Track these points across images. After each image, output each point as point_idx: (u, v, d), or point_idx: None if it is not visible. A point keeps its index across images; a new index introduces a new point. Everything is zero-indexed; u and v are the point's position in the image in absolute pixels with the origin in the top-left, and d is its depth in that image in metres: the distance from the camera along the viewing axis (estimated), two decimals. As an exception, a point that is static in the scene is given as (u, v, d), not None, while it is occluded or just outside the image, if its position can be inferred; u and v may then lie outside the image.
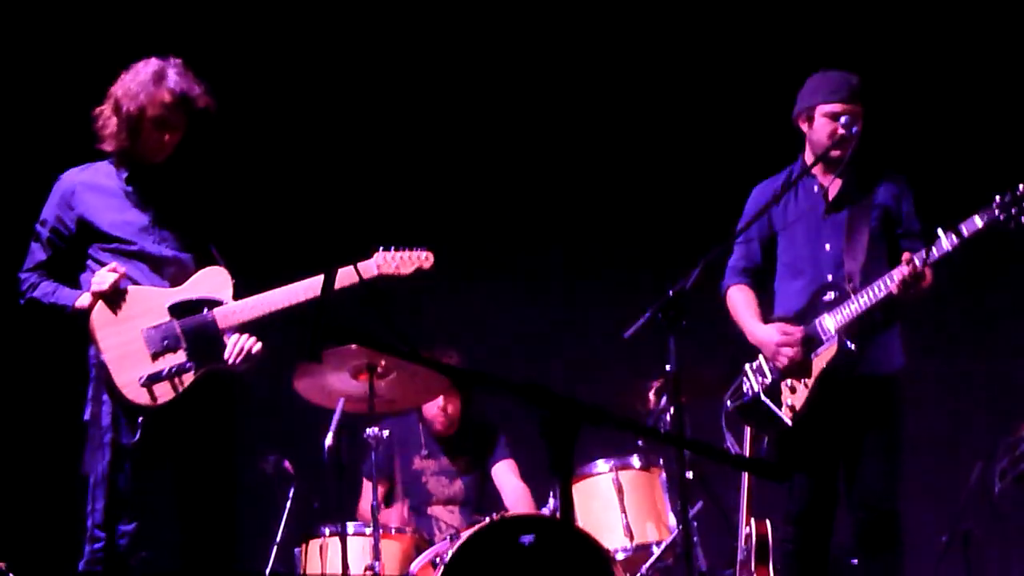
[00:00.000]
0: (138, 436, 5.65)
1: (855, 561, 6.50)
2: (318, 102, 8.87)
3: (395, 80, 9.23)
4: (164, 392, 5.71)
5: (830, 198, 6.31)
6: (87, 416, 5.80)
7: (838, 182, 6.29)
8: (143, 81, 5.85)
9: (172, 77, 5.87)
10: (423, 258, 6.32)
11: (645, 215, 9.12)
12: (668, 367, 5.73)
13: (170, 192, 5.99)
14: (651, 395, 7.50)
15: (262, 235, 7.27)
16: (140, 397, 5.69)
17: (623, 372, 7.69)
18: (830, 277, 6.21)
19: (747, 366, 6.36)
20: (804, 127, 6.36)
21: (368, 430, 6.73)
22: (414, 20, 9.14)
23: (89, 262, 5.87)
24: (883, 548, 6.10)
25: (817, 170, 6.31)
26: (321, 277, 5.58)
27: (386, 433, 6.85)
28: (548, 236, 9.25)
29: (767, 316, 6.41)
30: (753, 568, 6.88)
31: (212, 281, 5.92)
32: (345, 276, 5.75)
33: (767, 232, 6.44)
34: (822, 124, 6.25)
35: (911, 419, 6.35)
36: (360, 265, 6.15)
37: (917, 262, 5.88)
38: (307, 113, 8.84)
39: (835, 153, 6.21)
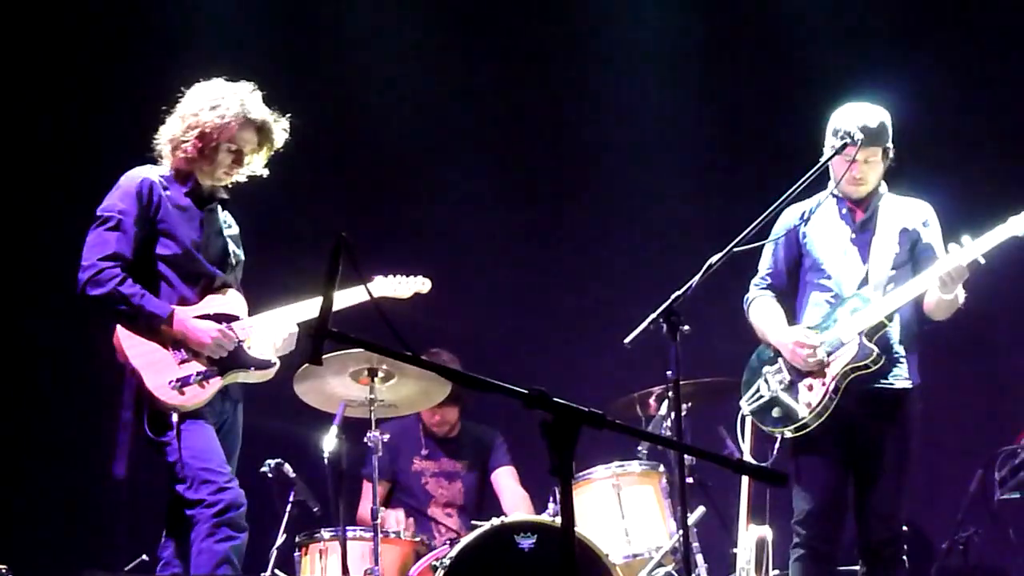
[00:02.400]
0: (171, 435, 5.82)
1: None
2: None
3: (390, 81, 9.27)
4: (194, 394, 5.92)
5: (856, 221, 6.39)
6: (123, 421, 5.89)
7: (864, 206, 6.40)
8: (232, 114, 6.05)
9: (257, 111, 6.11)
10: (421, 283, 6.72)
11: (649, 220, 9.13)
12: (669, 373, 5.76)
13: (217, 216, 6.22)
14: (652, 401, 7.51)
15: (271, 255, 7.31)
16: (173, 399, 5.88)
17: (624, 378, 7.69)
18: (856, 293, 6.29)
19: (766, 369, 6.39)
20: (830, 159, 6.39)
21: (369, 433, 6.73)
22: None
23: (161, 266, 6.03)
24: (887, 568, 6.17)
25: (844, 195, 6.42)
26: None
27: (386, 436, 6.86)
28: (550, 240, 9.26)
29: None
30: (752, 574, 6.88)
31: (229, 301, 6.15)
32: (351, 296, 5.92)
33: (795, 252, 6.52)
34: (838, 164, 6.30)
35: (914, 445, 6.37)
36: (361, 288, 6.23)
37: (963, 258, 5.95)
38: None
39: (854, 193, 6.37)
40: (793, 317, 6.49)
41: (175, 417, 5.85)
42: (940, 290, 6.04)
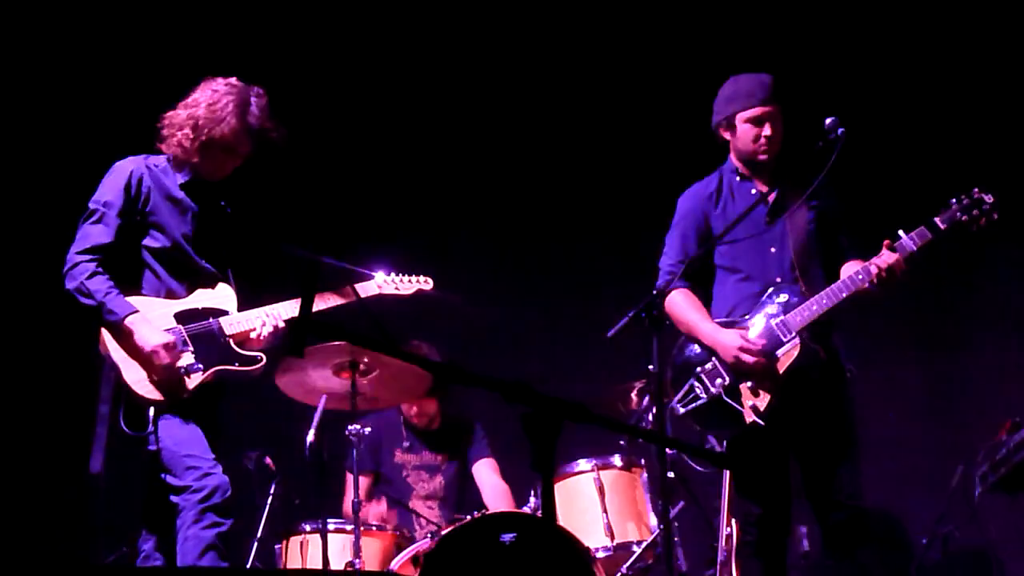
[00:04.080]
0: (149, 429, 5.79)
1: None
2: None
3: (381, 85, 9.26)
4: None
5: (770, 202, 6.28)
6: (100, 415, 5.87)
7: (775, 186, 6.28)
8: (229, 110, 6.04)
9: (255, 112, 6.09)
10: (423, 281, 6.68)
11: (630, 214, 9.12)
12: (651, 367, 5.75)
13: (212, 208, 6.20)
14: (634, 395, 7.51)
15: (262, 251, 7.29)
16: (151, 393, 5.85)
17: (606, 372, 7.69)
18: (779, 279, 6.19)
19: (698, 370, 6.23)
20: (727, 135, 6.36)
21: (350, 426, 6.73)
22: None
23: (148, 257, 6.02)
24: (860, 545, 6.09)
25: (750, 172, 6.33)
26: (328, 293, 5.76)
27: (368, 429, 6.86)
28: (531, 234, 9.26)
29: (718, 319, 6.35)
30: (733, 569, 6.88)
31: (218, 295, 6.13)
32: (347, 294, 5.97)
33: (705, 235, 6.38)
34: (744, 130, 6.26)
35: (892, 422, 6.36)
36: (362, 285, 6.36)
37: (906, 247, 5.90)
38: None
39: (762, 157, 6.25)
40: (707, 303, 6.37)
41: (152, 412, 5.82)
42: (877, 285, 5.95)
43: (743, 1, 8.95)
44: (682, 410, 6.26)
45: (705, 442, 7.07)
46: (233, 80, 6.16)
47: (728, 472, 6.85)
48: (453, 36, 9.26)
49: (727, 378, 6.19)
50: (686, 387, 6.25)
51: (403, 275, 6.64)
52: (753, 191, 6.31)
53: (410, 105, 9.28)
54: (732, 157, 6.39)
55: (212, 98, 6.07)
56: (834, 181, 6.24)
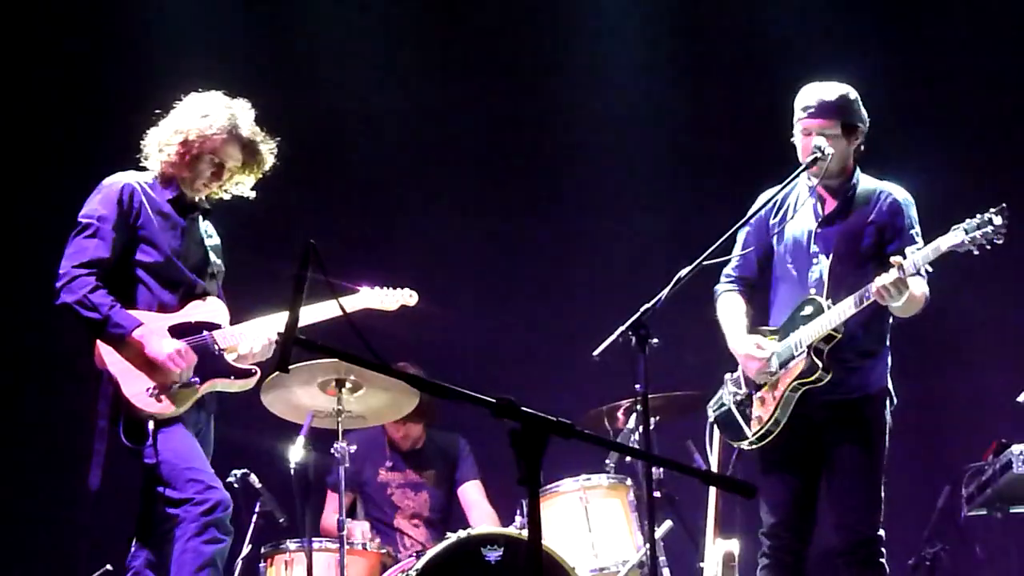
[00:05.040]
0: (148, 443, 5.78)
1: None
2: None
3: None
4: (172, 402, 5.90)
5: (824, 212, 6.23)
6: (98, 430, 5.85)
7: (837, 195, 6.21)
8: (219, 126, 6.07)
9: (246, 128, 6.12)
10: (408, 295, 6.71)
11: (619, 230, 9.15)
12: (638, 386, 5.74)
13: (199, 225, 6.22)
14: (620, 414, 7.50)
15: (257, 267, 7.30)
16: (150, 406, 5.85)
17: (593, 391, 7.68)
18: (812, 292, 6.15)
19: (727, 376, 6.34)
20: (795, 141, 6.28)
21: (336, 444, 6.71)
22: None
23: (139, 271, 6.02)
24: (860, 571, 6.06)
25: (815, 182, 6.21)
26: (312, 307, 5.77)
27: (353, 448, 6.84)
28: (519, 252, 9.27)
29: (760, 327, 6.34)
30: (719, 588, 6.87)
31: (210, 309, 6.14)
32: (330, 308, 5.91)
33: (764, 241, 6.35)
34: (798, 140, 6.19)
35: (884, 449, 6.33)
36: (347, 299, 6.43)
37: (905, 268, 5.80)
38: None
39: (812, 168, 6.11)
40: (766, 311, 6.38)
41: (151, 424, 5.81)
42: (882, 302, 5.88)
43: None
44: (712, 415, 6.39)
45: (692, 462, 7.10)
46: (218, 94, 6.18)
47: (714, 491, 6.85)
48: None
49: (744, 388, 6.25)
50: (719, 392, 6.39)
51: (387, 289, 6.65)
52: (815, 199, 6.25)
53: (392, 116, 9.29)
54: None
55: (200, 111, 6.09)
56: (909, 195, 6.23)
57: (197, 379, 5.94)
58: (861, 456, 6.11)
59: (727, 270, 6.43)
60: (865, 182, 6.24)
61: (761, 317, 6.41)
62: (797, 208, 6.28)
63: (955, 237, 5.80)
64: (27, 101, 8.87)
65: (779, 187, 6.22)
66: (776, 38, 8.98)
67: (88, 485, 5.83)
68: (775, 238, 6.31)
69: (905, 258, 5.82)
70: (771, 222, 6.33)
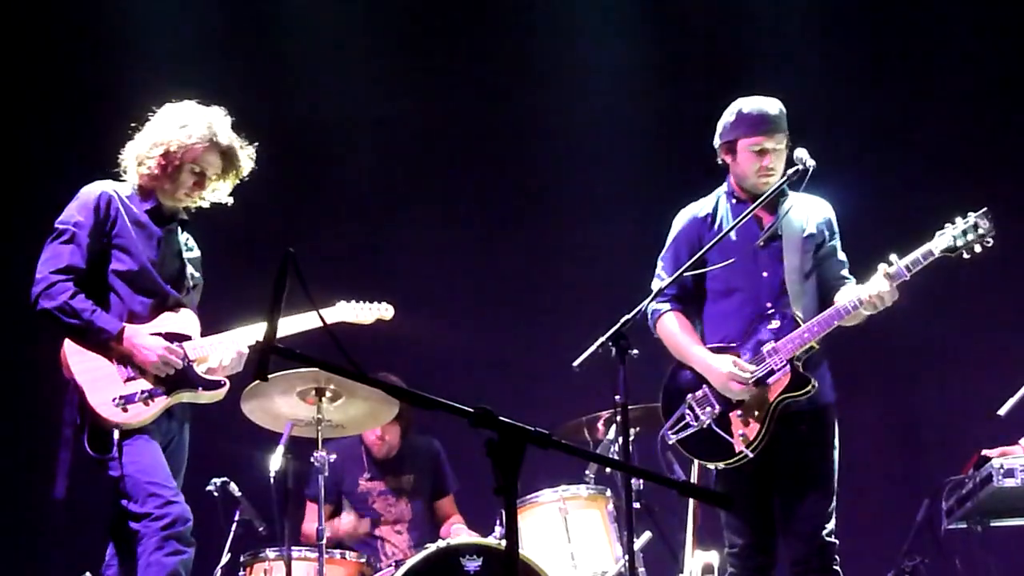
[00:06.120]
0: (112, 454, 5.76)
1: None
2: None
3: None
4: (137, 412, 5.87)
5: (764, 226, 6.20)
6: (64, 438, 5.84)
7: (770, 211, 6.20)
8: (199, 135, 6.06)
9: (225, 135, 6.12)
10: (383, 309, 6.71)
11: (599, 241, 9.15)
12: (617, 397, 5.72)
13: (176, 236, 6.21)
14: (600, 425, 7.50)
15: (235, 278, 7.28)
16: (115, 416, 5.83)
17: (572, 401, 7.68)
18: (769, 305, 6.10)
19: (689, 397, 6.16)
20: (727, 159, 6.27)
21: (315, 453, 6.71)
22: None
23: (113, 279, 6.00)
24: None
25: (748, 197, 6.22)
26: (290, 318, 5.77)
27: (333, 457, 6.84)
28: (498, 263, 9.27)
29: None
30: (698, 600, 6.87)
31: (182, 320, 6.12)
32: (307, 320, 5.96)
33: (700, 259, 6.20)
34: (745, 158, 6.17)
35: (859, 455, 6.33)
36: (323, 311, 6.37)
37: (894, 277, 5.80)
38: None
39: (762, 187, 6.13)
40: (697, 326, 6.29)
41: (116, 434, 5.80)
42: (866, 311, 5.88)
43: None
44: (673, 438, 6.19)
45: (671, 474, 7.08)
46: (194, 103, 6.18)
47: (693, 503, 6.84)
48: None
49: (717, 407, 6.11)
50: (677, 414, 6.18)
51: (364, 303, 6.65)
52: (747, 215, 6.15)
53: (373, 127, 9.30)
54: (731, 180, 6.31)
55: (179, 121, 6.08)
56: (831, 206, 6.26)
57: (162, 390, 5.92)
58: (816, 464, 6.08)
59: (660, 288, 6.22)
60: (794, 195, 6.23)
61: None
62: (730, 221, 6.20)
63: (944, 241, 5.80)
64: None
65: (704, 201, 6.34)
66: (750, 42, 9.01)
67: (53, 495, 5.82)
68: (710, 254, 6.15)
69: (891, 265, 5.82)
70: (706, 236, 6.24)
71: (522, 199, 9.35)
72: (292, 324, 5.93)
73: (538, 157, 9.32)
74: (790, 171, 6.05)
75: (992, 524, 7.44)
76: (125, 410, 5.84)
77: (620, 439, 6.12)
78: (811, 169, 6.00)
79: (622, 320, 5.68)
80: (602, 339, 5.68)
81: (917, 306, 6.08)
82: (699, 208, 6.37)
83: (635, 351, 5.68)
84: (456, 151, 9.34)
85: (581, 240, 9.20)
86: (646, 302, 6.00)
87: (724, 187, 6.36)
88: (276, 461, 6.66)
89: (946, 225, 5.84)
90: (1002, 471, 7.04)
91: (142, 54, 8.92)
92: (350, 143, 9.30)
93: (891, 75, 8.83)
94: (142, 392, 5.88)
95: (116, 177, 6.16)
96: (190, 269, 6.23)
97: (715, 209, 6.34)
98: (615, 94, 9.26)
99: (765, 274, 6.17)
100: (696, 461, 6.40)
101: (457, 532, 7.70)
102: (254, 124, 6.40)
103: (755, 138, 6.15)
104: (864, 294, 5.87)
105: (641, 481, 6.90)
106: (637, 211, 9.05)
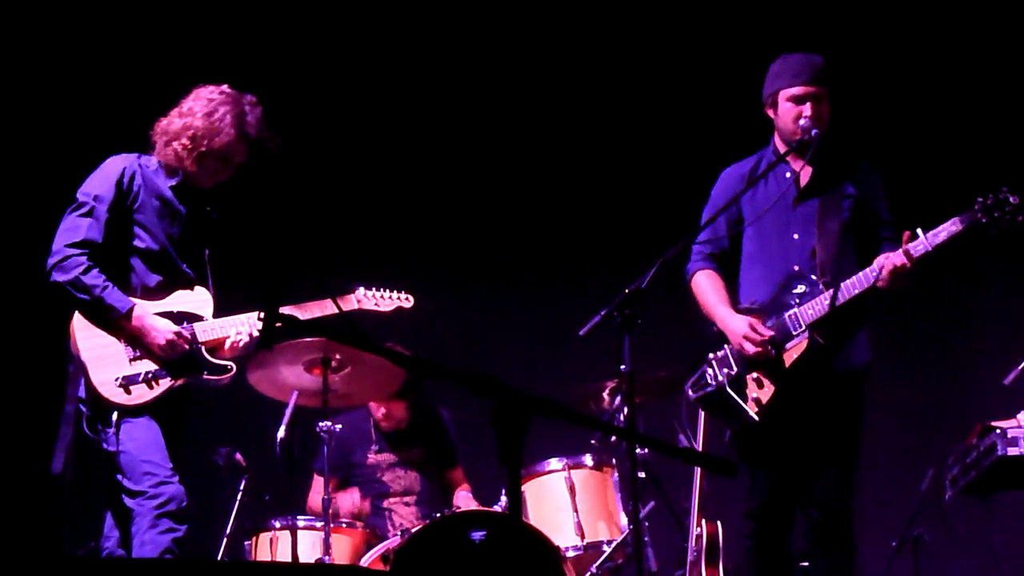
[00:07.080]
0: (112, 431, 5.77)
1: (806, 564, 6.41)
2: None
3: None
4: (140, 393, 5.88)
5: (801, 185, 6.15)
6: (65, 414, 5.85)
7: (809, 169, 6.12)
8: (227, 121, 6.04)
9: (252, 122, 6.09)
10: (403, 298, 6.75)
11: (603, 211, 9.13)
12: (623, 366, 5.71)
13: (199, 213, 6.19)
14: (606, 394, 7.50)
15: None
16: (116, 396, 5.83)
17: (578, 370, 7.68)
18: (797, 268, 6.04)
19: (711, 355, 6.16)
20: (771, 114, 6.21)
21: (321, 423, 6.71)
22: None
23: (130, 254, 6.00)
24: (834, 548, 5.98)
25: (789, 156, 6.14)
26: (308, 304, 5.78)
27: (338, 427, 6.85)
28: (503, 232, 9.26)
29: (733, 304, 6.21)
30: (703, 569, 6.89)
31: (195, 299, 6.11)
32: (326, 307, 5.99)
33: (735, 217, 6.24)
34: (786, 109, 6.10)
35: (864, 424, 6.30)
36: (341, 298, 6.44)
37: (912, 252, 5.75)
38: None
39: (800, 134, 6.06)
40: (734, 287, 6.27)
41: (115, 415, 5.80)
42: (890, 285, 5.82)
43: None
44: (692, 395, 6.22)
45: (677, 442, 7.08)
46: (226, 88, 6.15)
47: (699, 472, 6.84)
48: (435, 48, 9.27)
49: (734, 368, 6.10)
50: (699, 372, 6.21)
51: (383, 291, 6.63)
52: (788, 174, 6.17)
53: (383, 114, 9.26)
54: (775, 137, 6.25)
55: (208, 108, 6.05)
56: (877, 169, 6.20)
57: (168, 372, 5.93)
58: (839, 432, 6.04)
59: (697, 247, 6.30)
60: (836, 153, 6.18)
61: (731, 292, 6.28)
62: (768, 180, 6.20)
63: (969, 217, 5.73)
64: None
65: (747, 160, 6.27)
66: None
67: (51, 470, 5.83)
68: (746, 213, 6.20)
69: (916, 239, 5.77)
70: (743, 195, 6.21)
71: (528, 169, 9.32)
72: (311, 310, 5.97)
73: (546, 127, 9.28)
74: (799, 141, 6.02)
75: (996, 493, 7.44)
76: (128, 392, 5.85)
77: (625, 408, 6.13)
78: (815, 140, 5.98)
79: (627, 289, 5.66)
80: (608, 308, 5.66)
81: (924, 277, 6.04)
82: (740, 166, 6.33)
83: (640, 320, 5.66)
84: (460, 126, 9.29)
85: (587, 208, 9.18)
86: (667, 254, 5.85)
87: (769, 145, 6.31)
88: (282, 431, 6.67)
89: (976, 200, 5.78)
90: (1006, 440, 7.04)
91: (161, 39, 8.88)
92: (355, 122, 9.25)
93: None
94: (147, 373, 5.89)
95: (143, 150, 6.15)
96: (207, 248, 6.22)
97: (756, 165, 6.29)
98: (618, 61, 9.21)
99: (796, 236, 6.11)
100: (701, 427, 6.42)
101: (464, 500, 7.72)
102: (269, 105, 6.37)
103: (795, 88, 6.10)
104: (883, 265, 5.81)
105: (647, 450, 6.92)
106: (644, 180, 9.03)
